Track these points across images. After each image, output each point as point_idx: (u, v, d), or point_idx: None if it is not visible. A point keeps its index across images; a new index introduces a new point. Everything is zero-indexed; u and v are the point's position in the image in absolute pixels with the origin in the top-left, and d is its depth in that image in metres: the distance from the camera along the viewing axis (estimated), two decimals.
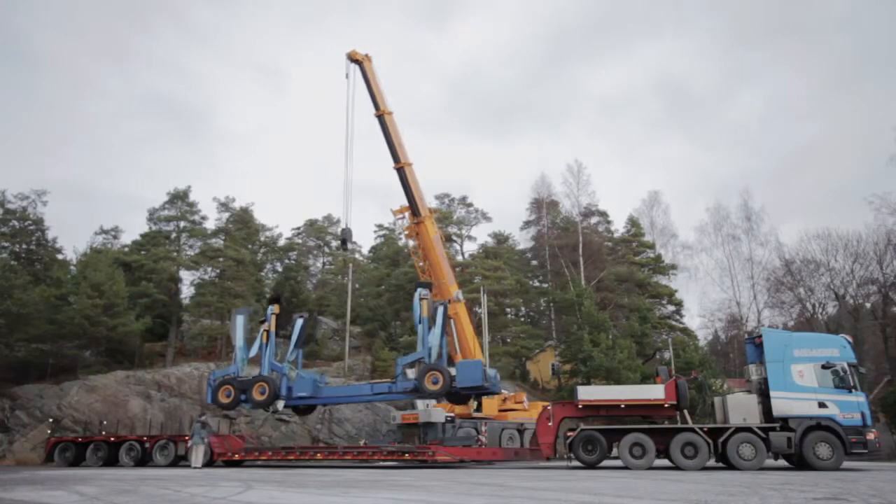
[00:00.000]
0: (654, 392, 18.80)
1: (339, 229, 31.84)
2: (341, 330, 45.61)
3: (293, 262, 59.21)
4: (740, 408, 18.13)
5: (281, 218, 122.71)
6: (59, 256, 39.65)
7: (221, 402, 23.49)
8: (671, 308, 52.36)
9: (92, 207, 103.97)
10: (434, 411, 25.65)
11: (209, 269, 43.46)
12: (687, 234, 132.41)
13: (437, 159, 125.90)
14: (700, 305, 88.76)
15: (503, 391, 30.62)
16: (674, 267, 54.39)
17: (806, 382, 17.47)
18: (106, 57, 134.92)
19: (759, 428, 17.50)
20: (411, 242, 31.33)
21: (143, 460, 23.86)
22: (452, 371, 20.86)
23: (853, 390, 17.19)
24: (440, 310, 21.19)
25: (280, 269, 58.09)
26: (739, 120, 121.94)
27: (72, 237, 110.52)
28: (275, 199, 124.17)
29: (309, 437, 33.23)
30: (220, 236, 44.84)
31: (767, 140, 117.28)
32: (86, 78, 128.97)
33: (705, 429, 17.78)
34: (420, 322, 21.33)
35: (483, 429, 25.83)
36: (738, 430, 17.54)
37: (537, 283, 59.93)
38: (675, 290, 52.12)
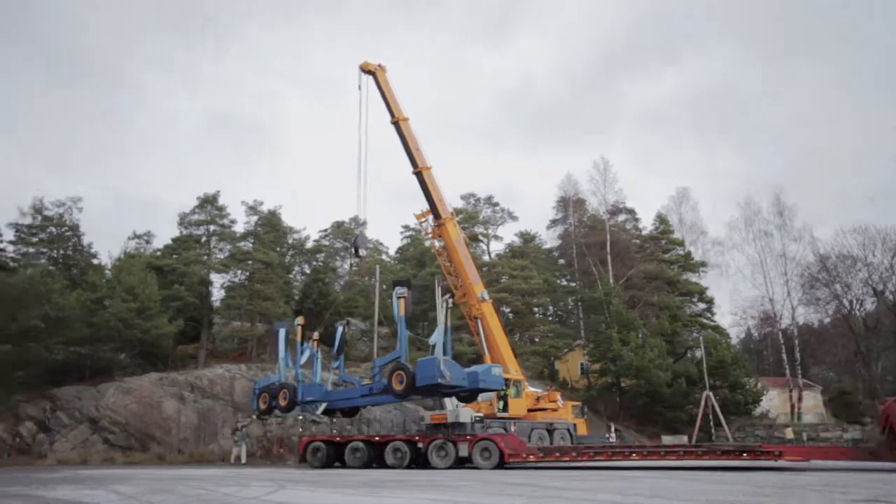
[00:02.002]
0: None
1: (352, 238, 32.18)
2: (369, 331, 45.86)
3: (321, 263, 59.69)
4: None
5: (308, 220, 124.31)
6: (95, 261, 40.68)
7: (261, 409, 24.13)
8: (702, 306, 51.65)
9: (123, 212, 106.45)
10: (462, 411, 25.60)
11: (238, 272, 44.07)
12: (717, 230, 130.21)
13: (485, 167, 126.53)
14: (731, 303, 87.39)
15: (535, 390, 30.59)
16: (704, 264, 53.69)
17: None
18: (148, 64, 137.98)
19: None
20: (436, 243, 31.45)
21: (417, 462, 21.34)
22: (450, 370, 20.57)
23: None
24: (443, 306, 21.03)
25: (308, 272, 58.63)
26: (775, 123, 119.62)
27: (106, 242, 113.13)
28: (302, 202, 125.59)
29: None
30: (249, 239, 45.43)
31: (801, 141, 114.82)
32: (128, 86, 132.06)
33: None
34: (398, 321, 21.25)
35: (512, 429, 25.75)
36: None
37: (565, 282, 59.69)
38: (706, 288, 51.46)
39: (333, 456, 22.70)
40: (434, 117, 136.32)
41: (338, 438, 22.93)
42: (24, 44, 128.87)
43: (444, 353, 20.45)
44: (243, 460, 28.61)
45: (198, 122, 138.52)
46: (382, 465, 21.38)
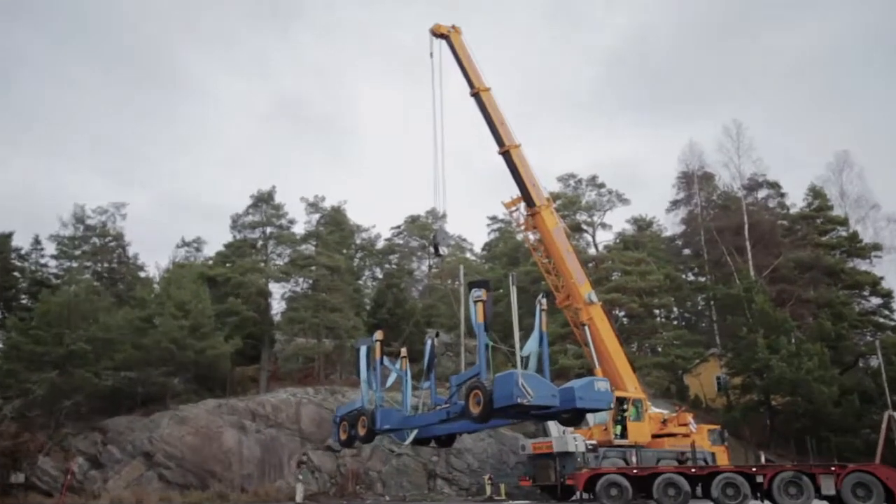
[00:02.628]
0: None
1: (430, 235, 32.15)
2: (455, 344, 45.97)
3: (394, 266, 60.50)
4: None
5: (378, 216, 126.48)
6: (142, 274, 42.99)
7: (342, 440, 24.60)
8: (876, 301, 48.69)
9: (172, 218, 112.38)
10: (570, 438, 25.21)
11: (300, 279, 45.30)
12: (894, 202, 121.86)
13: (590, 146, 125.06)
14: None
15: (661, 411, 29.69)
16: (877, 247, 50.66)
17: None
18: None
19: None
20: (531, 236, 31.15)
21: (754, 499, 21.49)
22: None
23: None
24: (537, 309, 20.53)
25: (380, 276, 59.51)
26: None
27: (153, 252, 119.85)
28: (371, 195, 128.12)
29: (424, 471, 33.77)
30: (311, 241, 46.55)
31: None
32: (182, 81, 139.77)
33: None
34: (476, 329, 20.80)
35: (633, 460, 25.09)
36: None
37: (692, 277, 57.76)
38: (881, 278, 48.53)
39: (635, 492, 22.89)
40: (527, 90, 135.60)
41: (635, 471, 23.20)
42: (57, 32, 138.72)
43: (540, 367, 20.01)
44: (298, 499, 29.80)
45: (258, 113, 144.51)
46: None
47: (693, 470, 22.21)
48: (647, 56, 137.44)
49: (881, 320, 47.37)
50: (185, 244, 50.61)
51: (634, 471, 22.89)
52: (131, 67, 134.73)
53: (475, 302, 21.03)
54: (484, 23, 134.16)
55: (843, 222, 52.08)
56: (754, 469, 21.62)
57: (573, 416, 22.22)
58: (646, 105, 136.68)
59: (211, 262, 47.81)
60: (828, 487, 20.00)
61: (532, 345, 20.51)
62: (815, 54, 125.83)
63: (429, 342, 23.78)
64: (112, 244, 42.70)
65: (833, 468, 20.55)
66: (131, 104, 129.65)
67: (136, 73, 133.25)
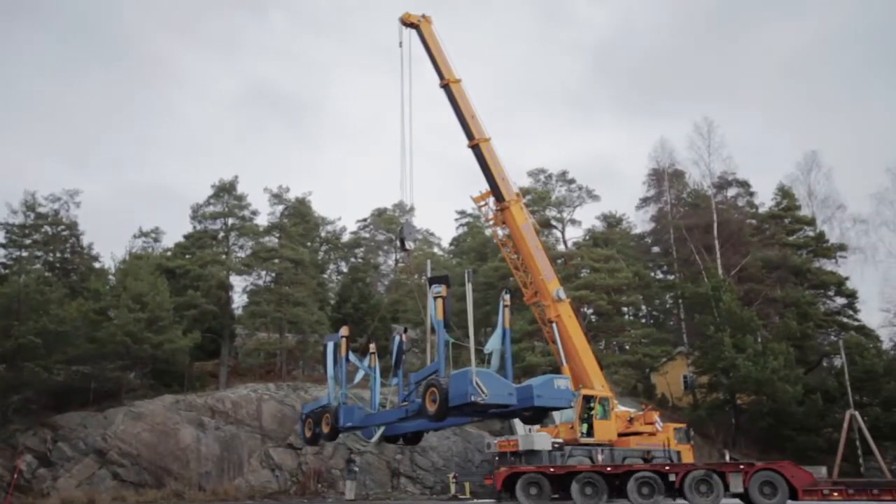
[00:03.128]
0: None
1: (397, 228, 32.08)
2: (420, 340, 45.92)
3: (360, 260, 60.25)
4: None
5: (344, 209, 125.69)
6: (96, 265, 42.12)
7: (307, 437, 24.40)
8: (841, 301, 49.73)
9: (130, 207, 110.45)
10: (537, 437, 25.31)
11: (263, 272, 44.81)
12: (859, 203, 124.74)
13: (570, 138, 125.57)
14: (882, 296, 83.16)
15: (628, 410, 30.00)
16: (842, 247, 51.69)
17: None
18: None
19: None
20: (500, 231, 31.21)
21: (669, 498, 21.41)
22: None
23: None
24: (500, 306, 20.57)
25: (345, 270, 59.23)
26: None
27: (109, 242, 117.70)
28: (336, 187, 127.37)
29: (388, 470, 33.68)
30: (275, 233, 46.10)
31: None
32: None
33: None
34: (435, 326, 20.79)
35: (600, 458, 25.30)
36: None
37: (661, 275, 58.37)
38: (846, 278, 49.52)
39: (552, 491, 22.75)
40: (507, 85, 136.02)
41: (552, 470, 23.03)
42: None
43: (503, 365, 20.04)
44: (349, 496, 30.63)
45: (225, 98, 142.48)
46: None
47: (609, 469, 22.37)
48: (630, 54, 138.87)
49: (845, 320, 48.39)
50: (142, 234, 49.81)
51: (551, 469, 22.96)
52: (87, 40, 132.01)
53: (434, 298, 20.99)
54: (466, 16, 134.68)
55: (811, 222, 53.08)
56: (667, 468, 21.87)
57: (534, 415, 22.37)
58: (626, 102, 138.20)
59: (169, 253, 47.07)
60: (736, 485, 20.53)
61: (495, 342, 20.54)
62: (796, 55, 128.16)
63: (396, 338, 23.65)
64: (65, 233, 41.74)
65: (742, 466, 21.17)
66: (87, 81, 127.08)
67: (93, 45, 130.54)
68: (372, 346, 24.30)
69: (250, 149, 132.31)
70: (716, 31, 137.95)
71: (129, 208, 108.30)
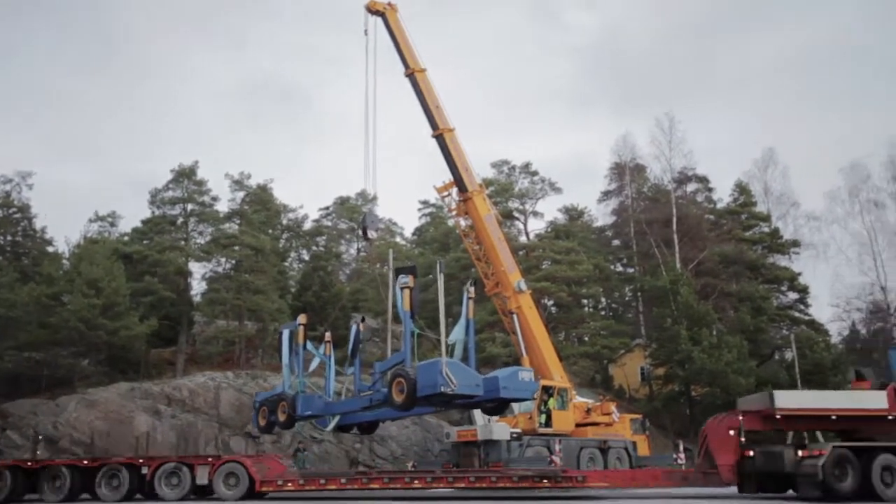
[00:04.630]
0: (874, 400, 17.98)
1: (359, 217, 31.99)
2: (381, 330, 45.84)
3: (321, 249, 59.82)
4: None
5: (306, 196, 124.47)
6: (50, 249, 41.17)
7: (261, 426, 24.25)
8: (793, 296, 50.74)
9: (86, 192, 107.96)
10: (496, 427, 25.48)
11: (223, 259, 44.30)
12: (813, 201, 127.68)
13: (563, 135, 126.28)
14: (832, 292, 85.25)
15: (585, 400, 30.34)
16: (796, 244, 52.74)
17: None
18: None
19: None
20: (462, 222, 31.28)
21: (139, 492, 20.78)
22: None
23: None
24: (464, 297, 20.69)
25: (306, 258, 58.80)
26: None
27: (63, 226, 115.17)
28: (298, 174, 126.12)
29: (346, 459, 33.63)
30: (235, 220, 45.59)
31: None
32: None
33: None
34: (402, 316, 20.87)
35: (557, 447, 25.58)
36: None
37: (620, 268, 59.03)
38: (799, 273, 50.50)
39: (26, 487, 20.86)
40: (491, 81, 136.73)
41: (29, 463, 21.37)
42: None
43: (466, 355, 20.12)
44: None
45: (193, 83, 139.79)
46: (96, 496, 20.56)
47: (85, 462, 21.22)
48: (615, 57, 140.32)
49: (797, 315, 49.51)
50: (98, 218, 48.71)
51: (28, 463, 21.43)
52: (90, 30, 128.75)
53: (402, 288, 20.98)
54: (460, 17, 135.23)
55: (766, 218, 54.08)
56: (141, 461, 21.10)
57: (497, 406, 22.51)
58: (612, 103, 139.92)
59: (127, 238, 46.20)
60: (202, 477, 20.41)
61: (459, 333, 20.61)
62: (770, 61, 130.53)
63: (354, 327, 23.58)
64: (17, 216, 40.64)
65: (210, 459, 21.20)
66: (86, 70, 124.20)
67: (95, 37, 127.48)
68: (327, 335, 24.19)
69: (208, 134, 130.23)
70: (698, 39, 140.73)
71: (118, 196, 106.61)
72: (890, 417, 17.66)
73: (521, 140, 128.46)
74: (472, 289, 20.92)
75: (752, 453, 18.03)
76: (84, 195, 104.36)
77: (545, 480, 19.49)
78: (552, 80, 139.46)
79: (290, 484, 20.41)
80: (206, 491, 20.49)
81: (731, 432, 18.38)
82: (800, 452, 17.31)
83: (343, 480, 20.71)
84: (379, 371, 21.93)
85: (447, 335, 19.97)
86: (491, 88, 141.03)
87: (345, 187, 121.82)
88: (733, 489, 18.73)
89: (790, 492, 18.05)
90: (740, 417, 18.61)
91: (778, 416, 17.99)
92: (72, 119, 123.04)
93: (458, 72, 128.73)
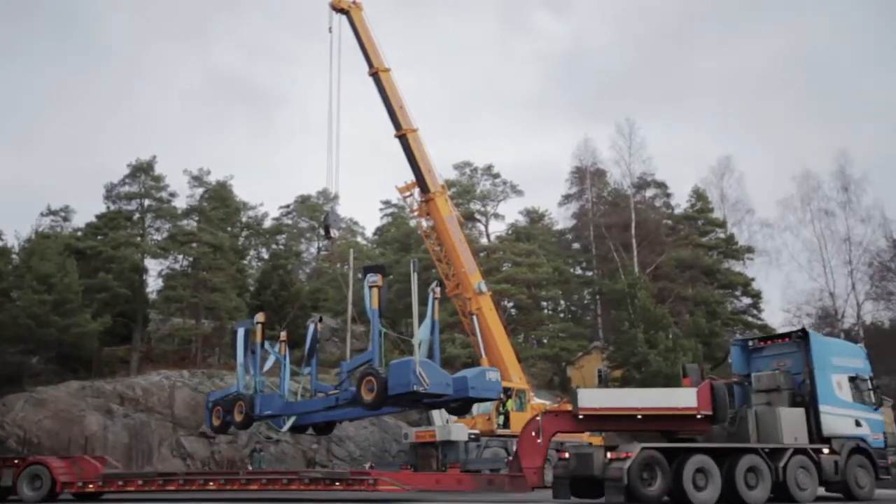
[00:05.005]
0: (683, 398, 17.15)
1: (321, 216, 31.89)
2: (341, 329, 45.56)
3: (282, 247, 59.24)
4: (793, 424, 17.36)
5: (266, 194, 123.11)
6: None
7: (214, 425, 23.85)
8: (746, 301, 51.72)
9: (39, 185, 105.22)
10: (454, 428, 25.53)
11: (180, 256, 43.64)
12: (767, 208, 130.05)
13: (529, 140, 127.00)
14: (784, 297, 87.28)
15: (542, 402, 30.52)
16: (750, 250, 53.66)
17: (844, 396, 18.07)
18: None
19: (812, 450, 17.25)
20: (424, 223, 31.35)
21: None
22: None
23: (877, 408, 18.32)
24: (430, 298, 20.75)
25: (266, 257, 58.16)
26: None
27: (13, 220, 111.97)
28: (258, 171, 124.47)
29: (303, 459, 33.33)
30: (193, 217, 44.88)
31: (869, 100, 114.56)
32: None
33: (766, 450, 16.92)
34: (370, 315, 20.89)
35: (514, 449, 25.67)
36: (797, 452, 17.06)
37: (580, 271, 59.52)
38: (752, 279, 51.46)
39: None
40: (468, 88, 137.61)
41: None
42: None
43: (431, 356, 20.10)
44: None
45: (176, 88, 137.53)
46: None
47: None
48: (585, 66, 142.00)
49: (750, 319, 50.38)
50: (50, 213, 47.36)
51: None
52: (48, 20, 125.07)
53: (370, 287, 20.97)
54: (433, 22, 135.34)
55: (722, 225, 54.96)
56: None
57: (462, 405, 22.57)
58: (580, 110, 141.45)
59: (80, 233, 45.12)
60: (7, 479, 20.22)
61: (424, 333, 20.62)
62: (734, 74, 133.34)
63: (311, 327, 23.42)
64: None
65: (16, 461, 21.02)
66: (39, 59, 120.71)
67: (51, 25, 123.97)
68: (283, 335, 23.97)
69: (186, 135, 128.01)
70: (663, 49, 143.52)
71: (71, 191, 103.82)
72: (699, 416, 16.82)
73: (486, 144, 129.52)
74: (438, 290, 20.96)
75: (567, 455, 17.51)
76: (35, 189, 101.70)
77: (337, 483, 19.28)
78: (519, 86, 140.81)
79: (91, 486, 20.25)
80: (9, 493, 20.28)
81: (537, 434, 17.79)
82: (608, 454, 16.35)
83: (141, 482, 20.50)
84: (346, 370, 21.82)
85: (404, 334, 20.05)
86: (459, 93, 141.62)
87: (306, 186, 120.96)
88: (547, 494, 18.26)
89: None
90: (538, 418, 18.19)
91: (580, 416, 17.16)
92: (24, 109, 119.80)
93: (426, 75, 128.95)
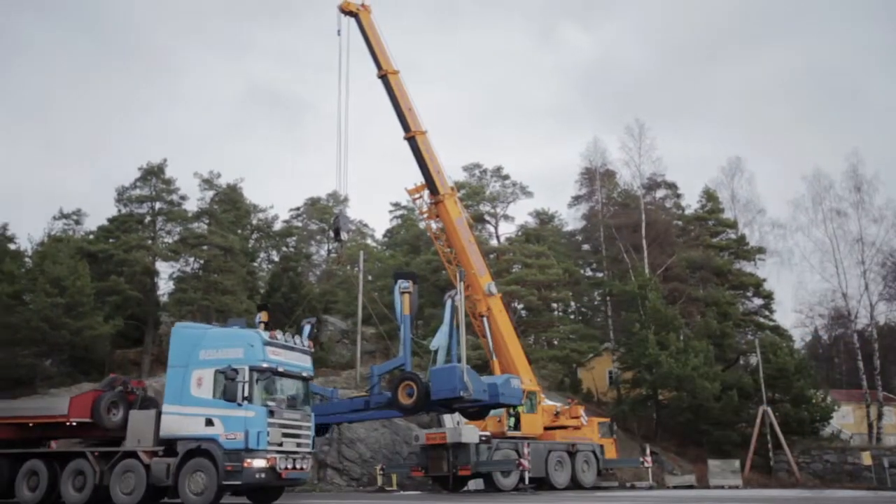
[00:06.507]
0: (57, 406, 18.10)
1: (331, 218, 32.05)
2: (351, 332, 45.60)
3: (292, 249, 59.41)
4: (139, 426, 17.52)
5: (276, 197, 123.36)
6: (12, 246, 40.29)
7: None
8: (758, 301, 51.37)
9: (52, 188, 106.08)
10: (465, 430, 25.43)
11: (191, 259, 43.73)
12: (778, 209, 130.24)
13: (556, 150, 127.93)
14: (796, 298, 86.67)
15: (553, 404, 30.47)
16: (761, 250, 53.27)
17: (202, 393, 16.83)
18: None
19: (146, 452, 16.86)
20: (434, 225, 31.28)
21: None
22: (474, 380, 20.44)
23: (244, 402, 16.23)
24: (447, 304, 20.87)
25: (276, 259, 58.31)
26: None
27: (26, 223, 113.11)
28: (269, 174, 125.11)
29: (314, 461, 33.30)
30: (204, 220, 45.06)
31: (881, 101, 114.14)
32: None
33: (96, 453, 17.33)
34: (402, 321, 21.00)
35: (526, 451, 25.60)
36: (126, 455, 17.03)
37: (590, 273, 59.36)
38: (764, 280, 51.08)
39: None
40: (495, 98, 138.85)
41: None
42: None
43: (448, 361, 20.32)
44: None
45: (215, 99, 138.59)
46: None
47: None
48: (609, 77, 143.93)
49: (761, 320, 50.08)
50: (62, 216, 47.73)
51: None
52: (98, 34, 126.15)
53: (402, 293, 21.17)
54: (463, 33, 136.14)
55: (733, 225, 54.61)
56: None
57: (481, 410, 22.68)
58: (602, 119, 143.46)
59: (92, 236, 45.39)
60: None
61: (441, 339, 20.77)
62: (752, 83, 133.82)
63: (305, 327, 23.60)
64: None
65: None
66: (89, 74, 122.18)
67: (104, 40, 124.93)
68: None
69: (197, 138, 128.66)
70: (685, 62, 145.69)
71: (83, 194, 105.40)
72: (71, 423, 17.66)
73: (506, 152, 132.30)
74: (457, 297, 21.06)
75: None
76: (48, 193, 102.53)
77: None
78: (542, 96, 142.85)
79: None
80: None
81: None
82: None
83: None
84: (377, 374, 21.96)
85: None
86: (484, 102, 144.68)
87: (315, 188, 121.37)
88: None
89: None
90: None
91: None
92: (40, 115, 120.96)
93: (453, 85, 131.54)
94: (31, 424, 18.41)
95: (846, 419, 45.81)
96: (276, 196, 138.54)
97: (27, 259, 39.03)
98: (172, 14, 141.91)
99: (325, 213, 60.47)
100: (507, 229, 54.98)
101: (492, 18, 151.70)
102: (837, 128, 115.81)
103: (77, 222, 47.96)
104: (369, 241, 63.10)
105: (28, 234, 77.74)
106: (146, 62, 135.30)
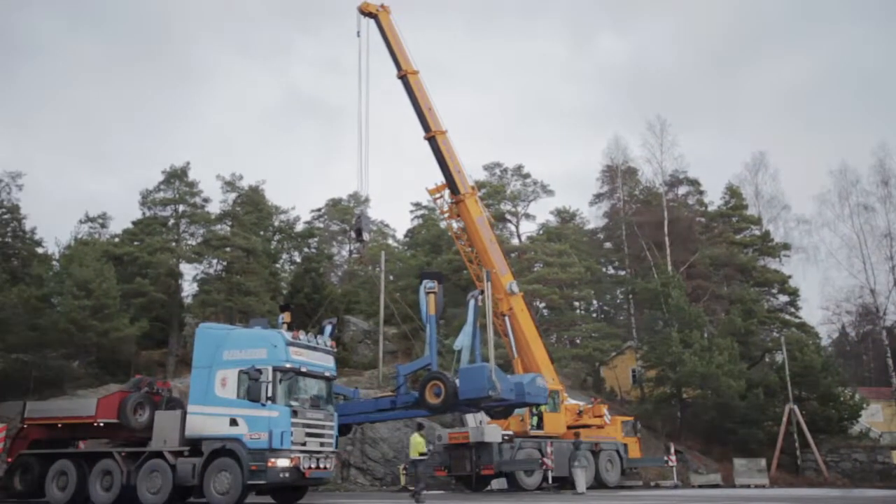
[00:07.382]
0: (84, 408, 18.61)
1: (352, 219, 32.23)
2: (373, 332, 45.72)
3: (314, 250, 59.66)
4: (165, 426, 17.71)
5: (298, 198, 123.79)
6: (40, 250, 40.83)
7: None
8: (784, 298, 50.96)
9: (75, 195, 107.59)
10: (488, 429, 25.44)
11: (214, 261, 44.16)
12: (803, 204, 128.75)
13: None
14: (822, 295, 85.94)
15: (576, 403, 30.36)
16: (786, 247, 52.84)
17: (227, 393, 16.93)
18: None
19: (172, 452, 16.95)
20: (455, 224, 31.30)
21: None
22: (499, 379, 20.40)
23: (268, 402, 16.31)
24: (470, 303, 20.89)
25: (298, 260, 58.60)
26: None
27: (53, 227, 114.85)
28: (290, 176, 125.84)
29: (337, 461, 33.45)
30: (227, 221, 45.44)
31: None
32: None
33: (123, 453, 17.58)
34: (427, 321, 21.02)
35: (549, 450, 25.55)
36: (152, 455, 17.15)
37: (612, 271, 59.10)
38: (789, 276, 50.76)
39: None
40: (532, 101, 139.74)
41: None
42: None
43: (472, 361, 20.38)
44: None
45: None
46: None
47: None
48: (643, 80, 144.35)
49: (787, 317, 49.65)
50: (88, 220, 48.35)
51: None
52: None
53: (427, 293, 21.27)
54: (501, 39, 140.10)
55: (757, 221, 54.18)
56: None
57: (506, 410, 22.67)
58: (636, 122, 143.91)
59: (117, 239, 45.93)
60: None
61: (465, 339, 20.82)
62: (786, 86, 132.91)
63: (326, 328, 23.76)
64: (6, 217, 40.30)
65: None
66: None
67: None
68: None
69: (218, 141, 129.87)
70: (717, 65, 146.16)
71: (109, 198, 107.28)
72: (99, 424, 18.02)
73: (536, 157, 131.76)
74: (481, 297, 21.06)
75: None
76: (75, 196, 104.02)
77: None
78: (578, 101, 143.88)
79: None
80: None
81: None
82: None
83: None
84: (403, 374, 22.05)
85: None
86: (520, 105, 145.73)
87: (336, 189, 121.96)
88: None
89: None
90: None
91: (25, 426, 19.07)
92: (63, 119, 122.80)
93: (483, 87, 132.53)
94: (59, 425, 18.85)
95: (875, 417, 45.15)
96: (312, 201, 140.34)
97: (55, 262, 39.46)
98: (215, 19, 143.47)
99: (346, 214, 60.74)
100: (528, 228, 55.00)
101: (531, 27, 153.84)
102: (865, 124, 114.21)
103: (103, 226, 48.63)
104: (390, 242, 63.27)
105: (55, 237, 78.83)
106: (179, 69, 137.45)
